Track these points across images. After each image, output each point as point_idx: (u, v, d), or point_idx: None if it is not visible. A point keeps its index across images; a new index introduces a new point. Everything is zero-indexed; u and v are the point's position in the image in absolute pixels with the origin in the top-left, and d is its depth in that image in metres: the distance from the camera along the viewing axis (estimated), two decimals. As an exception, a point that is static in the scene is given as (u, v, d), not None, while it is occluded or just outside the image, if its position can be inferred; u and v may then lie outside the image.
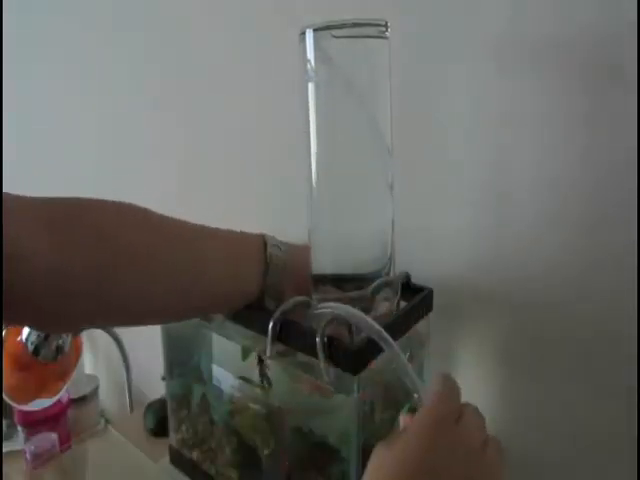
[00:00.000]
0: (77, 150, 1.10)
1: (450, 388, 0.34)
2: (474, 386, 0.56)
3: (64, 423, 0.90)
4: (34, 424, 0.86)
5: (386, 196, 0.48)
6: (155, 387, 0.73)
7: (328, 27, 0.44)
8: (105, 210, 0.39)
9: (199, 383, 0.60)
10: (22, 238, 0.32)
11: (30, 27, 1.14)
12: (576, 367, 0.49)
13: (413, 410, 0.49)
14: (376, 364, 0.44)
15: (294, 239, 0.62)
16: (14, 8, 1.12)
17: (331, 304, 0.43)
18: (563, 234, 0.47)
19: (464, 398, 0.57)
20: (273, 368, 0.51)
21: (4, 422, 0.95)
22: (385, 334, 0.40)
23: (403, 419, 0.46)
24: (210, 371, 0.57)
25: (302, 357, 0.46)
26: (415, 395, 0.38)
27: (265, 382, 0.52)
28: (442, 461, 0.30)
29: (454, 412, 0.32)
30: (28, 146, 1.27)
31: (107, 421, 0.98)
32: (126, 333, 0.78)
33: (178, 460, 0.65)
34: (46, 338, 0.78)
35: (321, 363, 0.42)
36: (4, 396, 0.73)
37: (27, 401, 0.77)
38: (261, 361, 0.52)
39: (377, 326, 0.40)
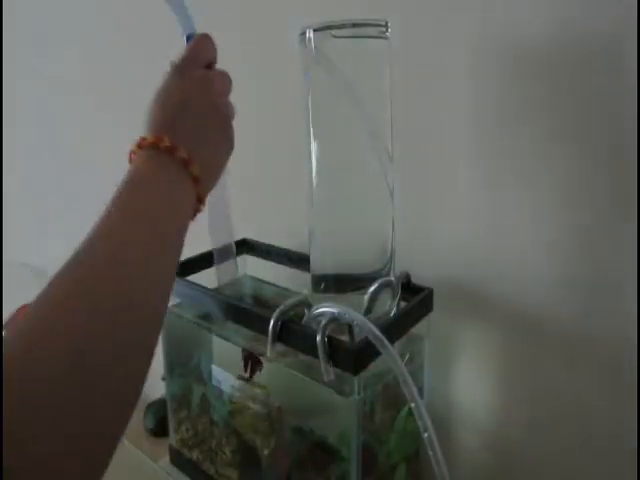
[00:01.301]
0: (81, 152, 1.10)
1: (205, 42, 0.42)
2: (474, 386, 0.56)
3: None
4: (34, 424, 0.86)
5: (386, 196, 0.48)
6: (155, 387, 0.73)
7: (328, 27, 0.44)
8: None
9: (199, 383, 0.60)
10: None
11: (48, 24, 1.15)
12: (576, 367, 0.49)
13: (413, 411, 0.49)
14: (376, 364, 0.44)
15: (294, 239, 0.63)
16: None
17: (330, 304, 0.43)
18: (563, 234, 0.48)
19: (464, 398, 0.58)
20: (273, 368, 0.51)
21: (4, 422, 0.96)
22: (379, 333, 0.39)
23: None
24: (210, 371, 0.57)
25: (302, 357, 0.46)
26: (408, 397, 0.37)
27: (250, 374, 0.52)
28: (190, 92, 0.38)
29: (204, 59, 0.41)
30: (32, 148, 1.27)
31: (107, 421, 0.98)
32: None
33: (178, 460, 0.65)
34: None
35: (321, 363, 0.42)
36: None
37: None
38: (252, 358, 0.52)
39: (371, 325, 0.40)
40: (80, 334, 0.25)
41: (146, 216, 0.32)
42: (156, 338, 0.31)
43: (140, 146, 0.35)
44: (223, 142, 0.40)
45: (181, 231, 0.35)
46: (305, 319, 0.46)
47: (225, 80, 0.41)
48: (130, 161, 0.36)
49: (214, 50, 0.42)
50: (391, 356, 0.39)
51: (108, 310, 0.27)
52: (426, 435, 0.36)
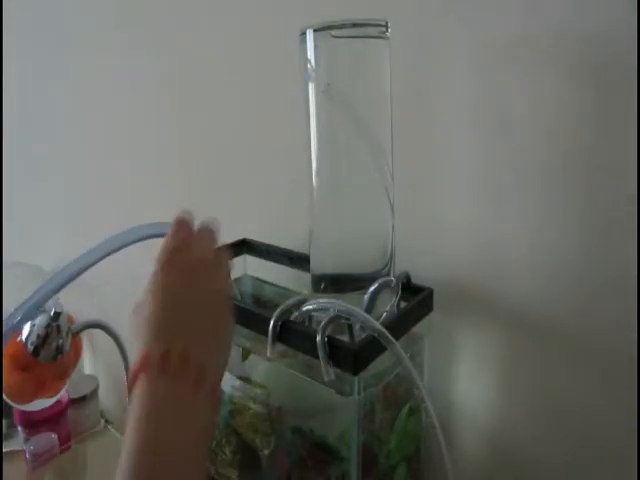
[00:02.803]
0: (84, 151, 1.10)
1: (177, 225, 0.38)
2: (474, 386, 0.56)
3: (64, 423, 0.90)
4: (34, 424, 0.86)
5: (386, 196, 0.48)
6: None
7: (328, 27, 0.44)
8: None
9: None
10: None
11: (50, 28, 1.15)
12: (576, 367, 0.49)
13: (413, 410, 0.50)
14: (376, 364, 0.44)
15: (294, 239, 0.63)
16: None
17: (333, 301, 0.43)
18: (563, 235, 0.47)
19: (464, 398, 0.58)
20: (273, 368, 0.51)
21: (4, 422, 0.95)
22: (383, 330, 0.40)
23: None
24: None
25: (302, 357, 0.46)
26: (415, 390, 0.38)
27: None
28: (179, 285, 0.35)
29: (184, 240, 0.38)
30: (35, 148, 1.27)
31: (107, 421, 0.98)
32: (126, 333, 0.78)
33: (178, 460, 0.65)
34: (46, 338, 0.78)
35: (321, 363, 0.42)
36: (4, 396, 0.73)
37: (27, 401, 0.77)
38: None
39: (375, 323, 0.40)
40: None
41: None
42: None
43: (143, 369, 0.31)
44: (225, 327, 0.37)
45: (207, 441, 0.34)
46: (297, 314, 0.46)
47: (207, 252, 0.38)
48: (129, 388, 0.32)
49: (189, 229, 0.39)
50: (394, 347, 0.40)
51: None
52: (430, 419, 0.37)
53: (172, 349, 0.31)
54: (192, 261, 0.37)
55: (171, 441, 0.30)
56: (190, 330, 0.33)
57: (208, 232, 0.40)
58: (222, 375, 0.36)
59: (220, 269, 0.38)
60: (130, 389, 0.31)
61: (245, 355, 0.53)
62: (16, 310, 0.43)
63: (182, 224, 0.39)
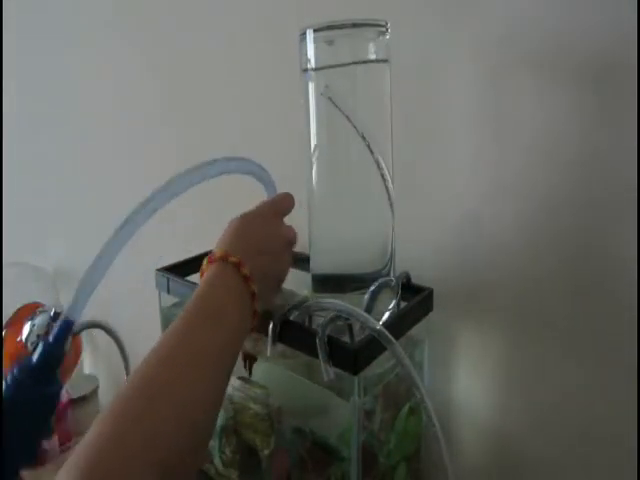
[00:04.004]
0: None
1: (288, 198, 0.49)
2: (474, 386, 0.56)
3: (64, 423, 0.90)
4: (34, 424, 0.86)
5: (386, 196, 0.48)
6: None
7: (328, 27, 0.44)
8: None
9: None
10: None
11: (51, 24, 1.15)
12: (576, 366, 0.49)
13: (413, 410, 0.50)
14: (376, 364, 0.44)
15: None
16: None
17: (333, 301, 0.43)
18: (563, 235, 0.48)
19: (464, 397, 0.58)
20: (273, 368, 0.51)
21: (4, 422, 0.96)
22: (383, 330, 0.40)
23: None
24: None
25: (303, 357, 0.46)
26: (415, 390, 0.38)
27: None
28: (268, 235, 0.45)
29: (285, 211, 0.48)
30: (33, 148, 1.27)
31: (107, 421, 0.98)
32: (126, 333, 0.78)
33: (178, 460, 0.65)
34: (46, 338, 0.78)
35: (321, 363, 0.42)
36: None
37: (27, 401, 0.77)
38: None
39: (375, 323, 0.40)
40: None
41: (216, 319, 0.38)
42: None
43: (210, 260, 0.41)
44: (278, 275, 0.46)
45: (233, 349, 0.39)
46: (297, 314, 0.46)
47: (292, 234, 0.47)
48: (201, 274, 0.42)
49: (292, 206, 0.49)
50: (394, 347, 0.40)
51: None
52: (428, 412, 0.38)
53: (230, 256, 0.40)
54: (284, 228, 0.47)
55: (213, 314, 0.38)
56: (254, 254, 0.42)
57: (292, 229, 0.48)
58: (266, 302, 0.44)
59: (293, 244, 0.48)
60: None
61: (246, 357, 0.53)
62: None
63: (290, 198, 0.49)
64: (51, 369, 0.41)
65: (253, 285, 0.40)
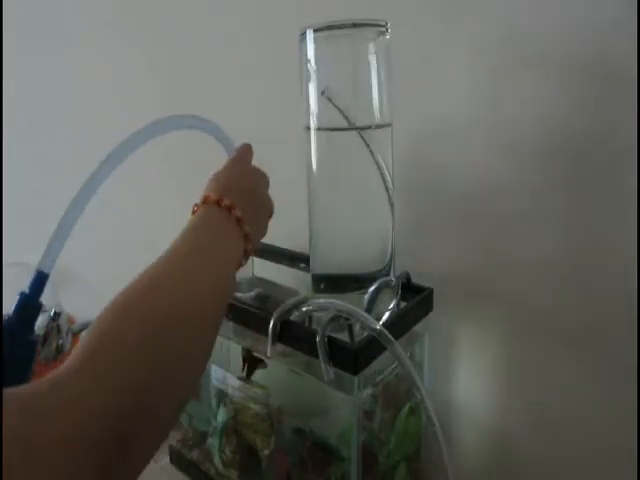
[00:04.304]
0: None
1: (250, 148, 0.52)
2: (474, 385, 0.56)
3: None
4: (34, 424, 0.86)
5: (386, 197, 0.48)
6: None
7: (328, 27, 0.44)
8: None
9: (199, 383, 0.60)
10: None
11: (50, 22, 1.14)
12: (576, 366, 0.49)
13: (413, 410, 0.50)
14: (376, 364, 0.44)
15: (294, 239, 0.62)
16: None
17: (333, 301, 0.43)
18: (563, 234, 0.48)
19: (464, 397, 0.57)
20: (273, 368, 0.51)
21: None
22: (383, 330, 0.40)
23: None
24: (210, 371, 0.57)
25: (303, 357, 0.46)
26: (415, 390, 0.38)
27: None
28: (249, 174, 0.48)
29: (250, 157, 0.51)
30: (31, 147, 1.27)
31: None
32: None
33: (178, 460, 0.65)
34: (46, 338, 0.78)
35: (321, 363, 0.42)
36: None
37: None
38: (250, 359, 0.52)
39: (375, 323, 0.41)
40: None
41: (204, 252, 0.38)
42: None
43: (204, 202, 0.41)
44: (266, 213, 0.48)
45: (228, 275, 0.39)
46: (297, 314, 0.46)
47: (266, 175, 0.49)
48: (193, 213, 0.42)
49: (252, 153, 0.52)
50: (394, 347, 0.40)
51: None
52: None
53: (225, 199, 0.40)
54: (259, 169, 0.49)
55: (202, 247, 0.38)
56: (241, 196, 0.42)
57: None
58: (257, 242, 0.45)
59: (266, 181, 0.49)
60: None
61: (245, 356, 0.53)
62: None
63: (250, 147, 0.52)
64: (28, 320, 0.42)
65: (246, 227, 0.40)
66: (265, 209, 0.47)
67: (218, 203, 0.40)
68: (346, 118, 0.45)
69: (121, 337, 0.29)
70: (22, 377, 0.42)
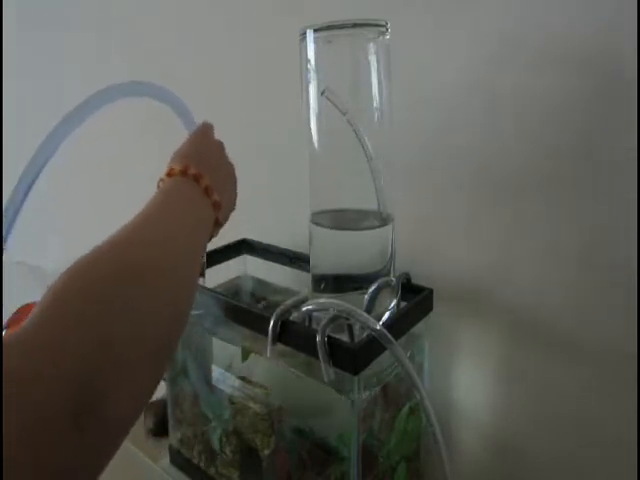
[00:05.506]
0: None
1: (210, 125, 0.50)
2: (474, 385, 0.56)
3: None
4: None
5: (387, 197, 0.48)
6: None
7: (328, 27, 0.44)
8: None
9: (199, 383, 0.60)
10: None
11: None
12: (576, 366, 0.49)
13: (413, 410, 0.50)
14: (376, 364, 0.44)
15: (294, 239, 0.63)
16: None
17: (333, 301, 0.43)
18: (562, 236, 0.48)
19: (464, 397, 0.58)
20: (273, 368, 0.51)
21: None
22: (383, 330, 0.40)
23: None
24: (210, 371, 0.57)
25: (303, 357, 0.46)
26: (415, 391, 0.38)
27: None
28: (212, 144, 0.47)
29: (211, 133, 0.49)
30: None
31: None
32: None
33: (178, 460, 0.65)
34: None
35: (321, 363, 0.42)
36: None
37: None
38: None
39: (375, 323, 0.41)
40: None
41: (174, 217, 0.36)
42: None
43: (169, 174, 0.40)
44: (233, 182, 0.48)
45: (199, 244, 0.38)
46: (297, 314, 0.46)
47: (222, 143, 0.50)
48: (158, 187, 0.40)
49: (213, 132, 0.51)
50: (394, 347, 0.40)
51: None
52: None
53: (190, 168, 0.39)
54: (218, 140, 0.49)
55: (174, 213, 0.36)
56: (207, 166, 0.41)
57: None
58: (228, 212, 0.45)
59: (224, 148, 0.49)
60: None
61: (245, 355, 0.53)
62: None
63: (211, 125, 0.51)
64: None
65: (215, 195, 0.40)
66: (232, 178, 0.47)
67: (184, 173, 0.39)
68: (346, 119, 0.45)
69: (85, 289, 0.28)
70: None
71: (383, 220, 0.48)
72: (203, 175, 0.39)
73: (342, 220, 0.49)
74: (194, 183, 0.39)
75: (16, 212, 0.42)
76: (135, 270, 0.30)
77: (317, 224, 0.49)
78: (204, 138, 0.47)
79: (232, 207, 0.47)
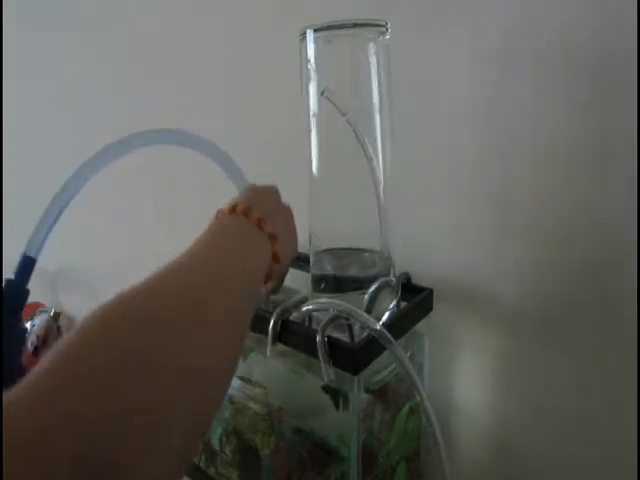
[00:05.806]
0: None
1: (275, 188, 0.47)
2: (474, 385, 0.56)
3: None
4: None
5: (387, 197, 0.48)
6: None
7: (328, 27, 0.44)
8: None
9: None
10: None
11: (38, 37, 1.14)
12: (576, 366, 0.49)
13: (413, 410, 0.50)
14: (376, 364, 0.44)
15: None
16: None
17: (333, 301, 0.43)
18: (561, 233, 0.48)
19: (464, 397, 0.58)
20: (273, 368, 0.51)
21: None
22: (383, 330, 0.40)
23: None
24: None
25: (303, 357, 0.46)
26: (415, 391, 0.38)
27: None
28: (280, 202, 0.45)
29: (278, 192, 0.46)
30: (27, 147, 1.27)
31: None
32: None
33: (178, 460, 0.65)
34: (46, 338, 0.78)
35: (321, 363, 0.42)
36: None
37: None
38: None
39: (375, 323, 0.41)
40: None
41: (227, 253, 0.34)
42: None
43: (232, 210, 0.38)
44: (295, 238, 0.46)
45: (252, 290, 0.35)
46: (297, 314, 0.46)
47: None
48: (215, 217, 0.39)
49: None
50: (393, 347, 0.40)
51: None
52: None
53: (255, 211, 0.37)
54: (271, 186, 0.46)
55: (230, 250, 0.34)
56: (270, 214, 0.39)
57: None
58: (288, 258, 0.44)
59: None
60: None
61: (245, 355, 0.53)
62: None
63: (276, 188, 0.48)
64: (15, 306, 0.40)
65: (277, 244, 0.38)
66: (293, 231, 0.45)
67: (246, 214, 0.37)
68: (346, 119, 0.45)
69: (107, 343, 0.24)
70: (10, 365, 0.40)
71: (385, 259, 0.48)
72: (267, 221, 0.37)
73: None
74: (256, 227, 0.37)
75: (49, 224, 0.42)
76: (161, 323, 0.26)
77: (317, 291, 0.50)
78: (265, 188, 0.46)
79: (293, 252, 0.45)
